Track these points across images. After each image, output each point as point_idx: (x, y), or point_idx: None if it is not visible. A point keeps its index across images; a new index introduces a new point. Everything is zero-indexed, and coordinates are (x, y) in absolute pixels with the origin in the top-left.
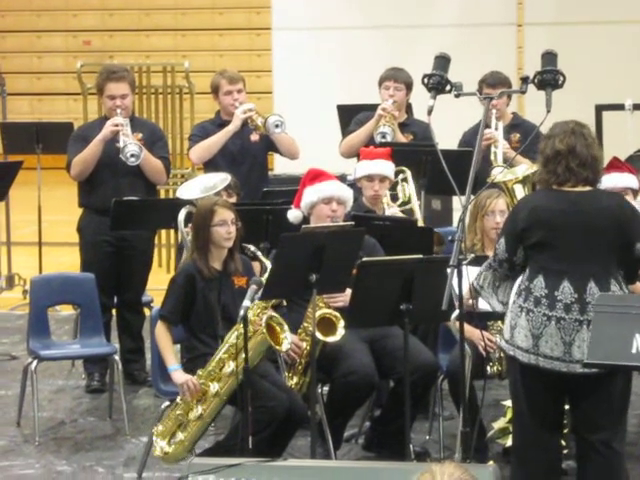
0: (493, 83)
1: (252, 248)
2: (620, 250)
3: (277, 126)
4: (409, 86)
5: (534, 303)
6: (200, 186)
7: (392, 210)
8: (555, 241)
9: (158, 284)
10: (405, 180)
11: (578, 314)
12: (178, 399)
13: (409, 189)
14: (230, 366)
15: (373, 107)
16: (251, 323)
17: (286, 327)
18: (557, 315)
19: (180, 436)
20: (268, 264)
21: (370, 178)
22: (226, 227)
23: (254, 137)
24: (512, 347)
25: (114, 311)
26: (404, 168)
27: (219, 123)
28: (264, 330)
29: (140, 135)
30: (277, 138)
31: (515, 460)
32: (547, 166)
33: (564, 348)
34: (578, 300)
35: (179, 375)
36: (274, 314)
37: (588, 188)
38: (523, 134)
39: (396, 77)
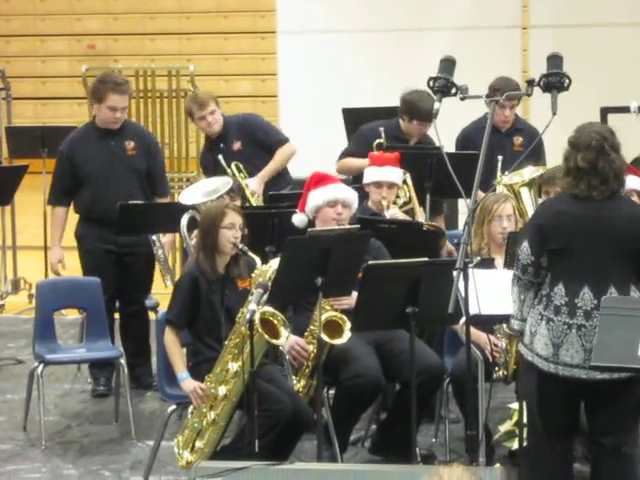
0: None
1: (240, 245)
2: (637, 258)
3: None
4: None
5: (554, 312)
6: (202, 190)
7: (392, 211)
8: (577, 247)
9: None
10: (405, 182)
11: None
12: (191, 408)
13: (409, 190)
14: (234, 367)
15: (378, 110)
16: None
17: (280, 317)
18: (578, 323)
19: (199, 444)
20: (257, 260)
21: (379, 185)
22: (233, 231)
23: (236, 146)
24: (531, 353)
25: (117, 315)
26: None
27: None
28: (259, 328)
29: (132, 144)
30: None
31: (526, 464)
32: (569, 176)
33: (584, 355)
34: (598, 306)
35: (188, 383)
36: (267, 308)
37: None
38: (526, 138)
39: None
